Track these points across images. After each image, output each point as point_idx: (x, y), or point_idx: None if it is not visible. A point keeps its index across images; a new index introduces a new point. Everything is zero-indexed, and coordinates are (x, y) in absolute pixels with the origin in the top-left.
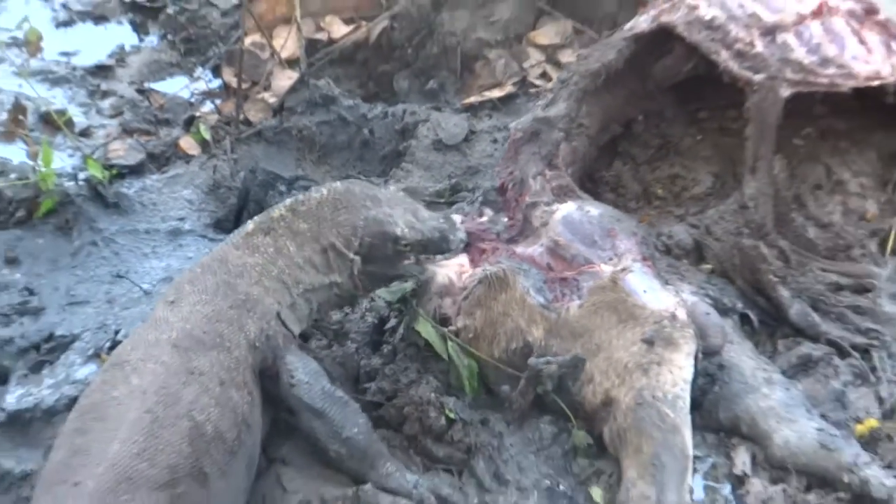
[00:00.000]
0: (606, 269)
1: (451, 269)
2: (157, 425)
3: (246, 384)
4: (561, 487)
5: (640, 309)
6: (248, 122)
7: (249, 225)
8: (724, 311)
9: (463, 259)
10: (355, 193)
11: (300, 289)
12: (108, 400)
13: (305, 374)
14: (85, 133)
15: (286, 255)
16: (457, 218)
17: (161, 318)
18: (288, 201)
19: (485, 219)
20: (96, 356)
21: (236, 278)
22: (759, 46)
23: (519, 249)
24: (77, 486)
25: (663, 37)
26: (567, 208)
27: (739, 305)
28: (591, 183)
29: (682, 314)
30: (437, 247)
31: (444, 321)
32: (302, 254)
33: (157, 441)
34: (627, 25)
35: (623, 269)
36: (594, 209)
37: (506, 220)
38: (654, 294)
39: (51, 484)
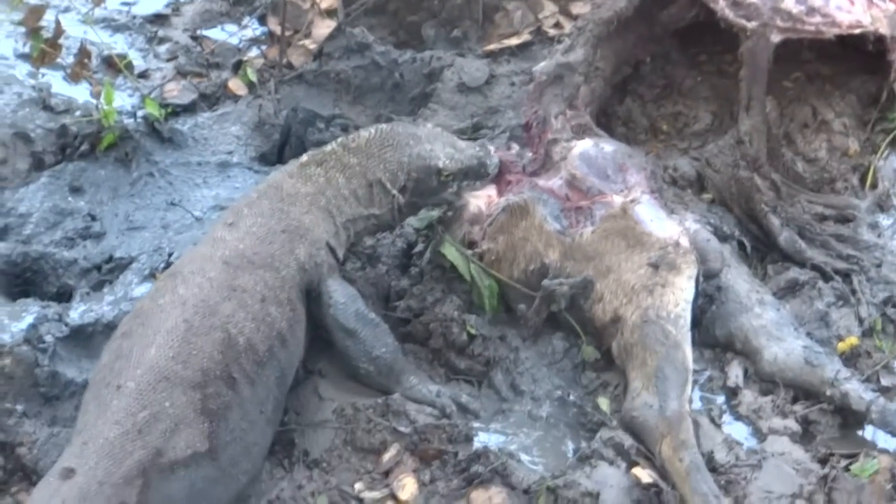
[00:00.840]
0: (617, 200)
1: (482, 200)
2: (192, 333)
3: (290, 302)
4: (571, 397)
5: (646, 236)
6: (290, 66)
7: (304, 157)
8: (722, 237)
9: (491, 190)
10: (399, 133)
11: (343, 218)
12: (154, 307)
13: (342, 297)
14: (143, 75)
15: (334, 186)
16: (491, 147)
17: (218, 238)
18: (340, 138)
19: (512, 152)
20: (151, 276)
21: (289, 205)
22: None
23: (540, 181)
24: (119, 389)
25: None
26: (584, 145)
27: (736, 232)
28: (604, 118)
29: (684, 241)
30: (476, 173)
31: (471, 245)
32: (349, 186)
33: (190, 347)
34: None
35: (632, 200)
36: (608, 146)
37: (530, 154)
38: (659, 223)
39: (97, 386)
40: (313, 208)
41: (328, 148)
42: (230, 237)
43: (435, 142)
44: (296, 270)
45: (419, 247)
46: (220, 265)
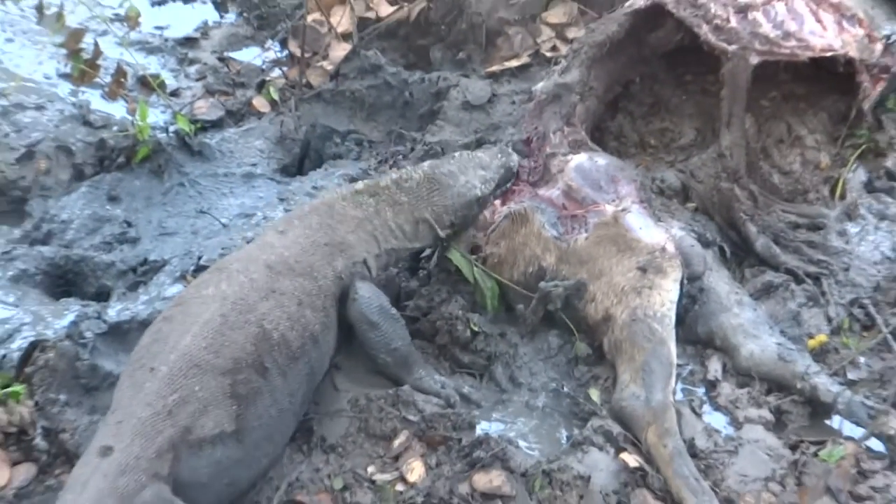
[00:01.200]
0: (609, 209)
1: (487, 208)
2: (226, 326)
3: (324, 308)
4: (565, 389)
5: (636, 242)
6: (309, 86)
7: (360, 184)
8: (705, 243)
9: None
10: (444, 175)
11: (387, 246)
12: (197, 297)
13: (368, 293)
14: (174, 93)
15: (382, 217)
16: (508, 148)
17: (268, 242)
18: (394, 174)
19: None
20: (182, 278)
21: (337, 223)
22: (734, 22)
23: (540, 191)
24: (153, 371)
25: (656, 12)
26: (579, 158)
27: (717, 239)
28: (598, 133)
29: (670, 247)
30: (507, 179)
31: (475, 249)
32: (396, 220)
33: (223, 339)
34: (627, 3)
35: (623, 210)
36: (601, 160)
37: (530, 165)
38: (647, 230)
39: (133, 367)
40: (359, 230)
41: (382, 182)
42: (278, 243)
43: (468, 171)
44: (332, 281)
45: (427, 252)
46: (263, 268)
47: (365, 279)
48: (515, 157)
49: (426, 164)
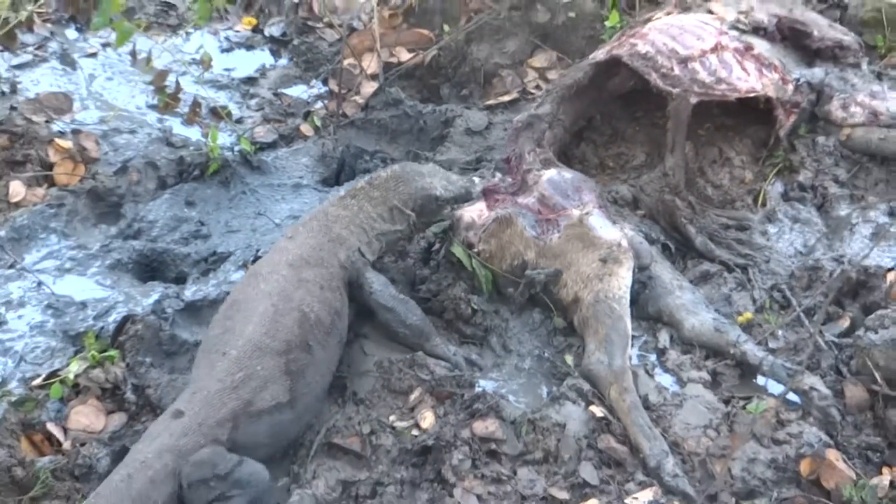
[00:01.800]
0: (576, 213)
1: (474, 212)
2: (278, 314)
3: (338, 289)
4: (546, 354)
5: (597, 239)
6: (345, 115)
7: (342, 191)
8: (651, 241)
9: (482, 205)
10: (407, 171)
11: (374, 233)
12: (246, 297)
13: (379, 285)
14: (239, 121)
15: (365, 212)
16: (475, 179)
17: (282, 247)
18: (366, 177)
19: (496, 179)
20: (244, 266)
21: (333, 224)
22: (677, 70)
23: (519, 199)
24: (225, 354)
25: (614, 63)
26: (550, 173)
27: (662, 238)
28: (564, 158)
29: (624, 243)
30: (464, 198)
31: (469, 246)
32: (375, 211)
33: (277, 325)
34: (590, 56)
35: (587, 213)
36: (568, 174)
37: (510, 180)
38: (606, 230)
39: (207, 352)
40: (350, 225)
41: (358, 185)
42: (291, 246)
43: (434, 177)
44: (338, 267)
45: (436, 246)
46: (286, 266)
47: (368, 268)
48: (479, 187)
49: (396, 165)
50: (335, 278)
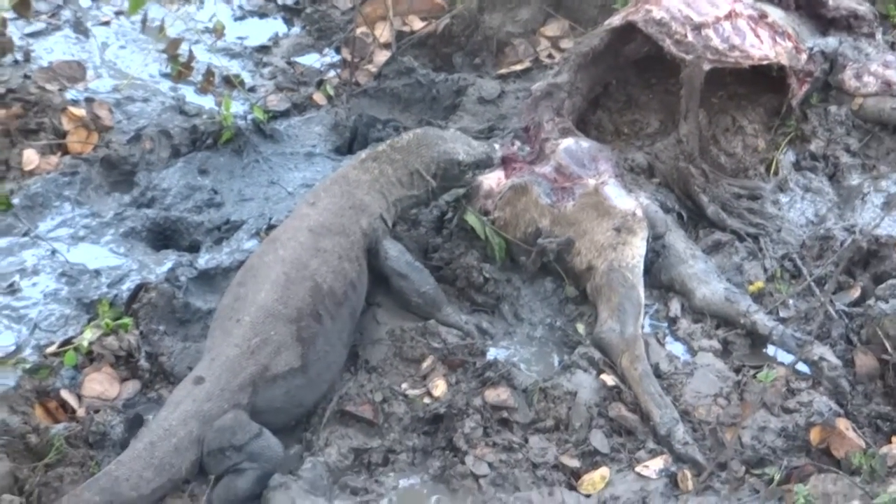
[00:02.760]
0: (591, 182)
1: (493, 180)
2: (290, 282)
3: (357, 259)
4: (557, 323)
5: (612, 208)
6: (357, 84)
7: (363, 154)
8: (666, 210)
9: (500, 173)
10: (430, 135)
11: (392, 198)
12: (261, 263)
13: (396, 251)
14: (251, 90)
15: (385, 175)
16: (496, 145)
17: (304, 213)
18: (388, 140)
19: (515, 147)
20: (256, 234)
21: (354, 189)
22: (690, 37)
23: (536, 168)
24: (238, 321)
25: (629, 29)
26: (567, 142)
27: (676, 207)
28: (582, 124)
29: (639, 212)
30: (486, 164)
31: (485, 213)
32: (396, 175)
33: (289, 292)
34: (606, 22)
35: (602, 182)
36: (585, 143)
37: (528, 149)
38: (621, 199)
39: (221, 319)
40: (371, 191)
41: (380, 148)
42: (313, 213)
43: (456, 142)
44: (360, 236)
45: (449, 214)
46: (306, 233)
47: (387, 235)
48: (500, 152)
49: (419, 129)
50: (355, 247)
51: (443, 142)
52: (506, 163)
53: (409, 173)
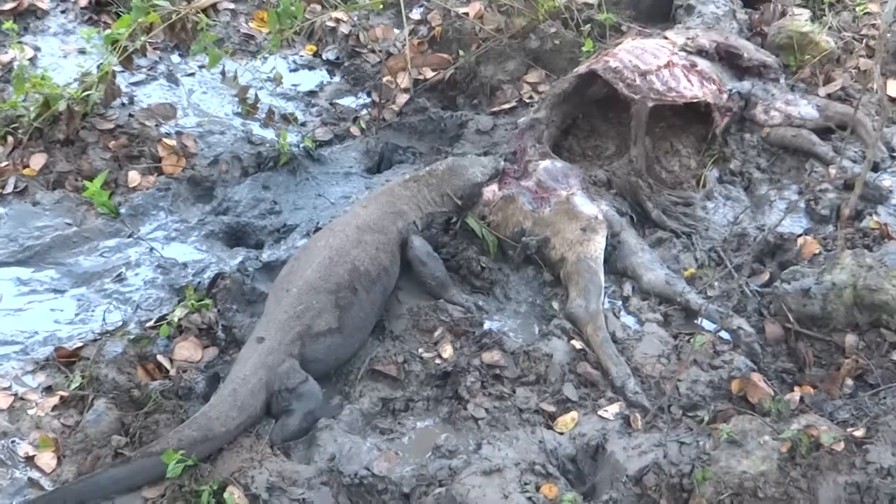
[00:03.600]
0: (564, 193)
1: (489, 192)
2: (332, 263)
3: (392, 252)
4: (537, 301)
5: (580, 213)
6: (384, 119)
7: (408, 175)
8: (621, 213)
9: (494, 186)
10: (457, 166)
11: (426, 211)
12: (315, 246)
13: (419, 244)
14: (303, 124)
15: (423, 193)
16: (500, 158)
17: (356, 212)
18: (428, 167)
19: (506, 166)
20: (307, 235)
21: (396, 199)
22: (638, 81)
23: (521, 182)
24: (288, 291)
25: (592, 75)
26: (545, 163)
27: (629, 211)
28: (556, 149)
29: (600, 216)
30: (496, 175)
31: (482, 217)
32: (430, 195)
33: (329, 271)
34: (574, 70)
35: (572, 194)
36: (559, 163)
37: (516, 167)
38: (586, 206)
39: (277, 289)
40: (410, 203)
41: (421, 173)
42: (363, 213)
43: (475, 166)
44: (396, 235)
45: (454, 219)
46: (354, 228)
47: (416, 233)
48: (503, 163)
49: (450, 159)
50: (391, 243)
51: (466, 171)
52: (500, 178)
53: (441, 195)
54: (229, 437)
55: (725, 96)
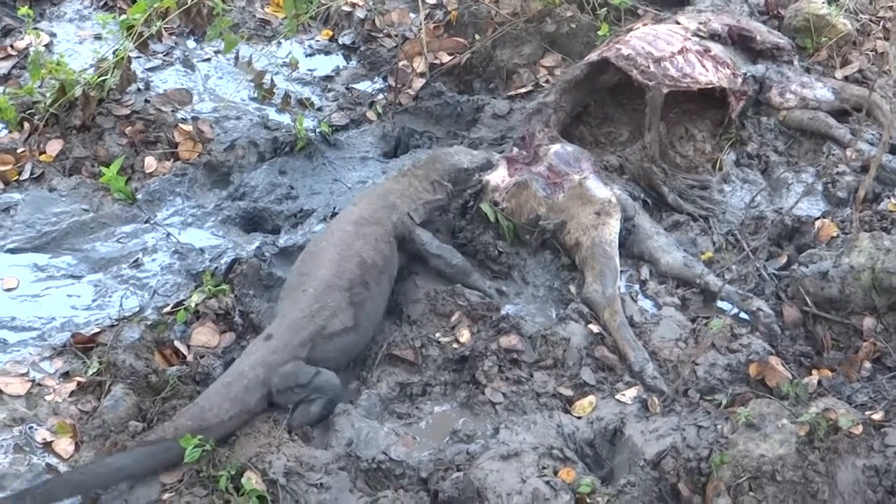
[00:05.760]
0: (576, 178)
1: (499, 178)
2: (342, 259)
3: (390, 242)
4: (555, 285)
5: (593, 197)
6: (400, 104)
7: (394, 172)
8: (634, 198)
9: (505, 173)
10: (440, 154)
11: (420, 202)
12: (319, 248)
13: (428, 238)
14: (319, 109)
15: (414, 186)
16: (493, 152)
17: (350, 210)
18: (411, 161)
19: (515, 152)
20: (324, 220)
21: (388, 194)
22: (652, 68)
23: (532, 168)
24: (304, 291)
25: (604, 63)
26: (556, 147)
27: (642, 196)
28: (566, 136)
29: (614, 200)
30: (486, 166)
31: (495, 204)
32: (421, 185)
33: (341, 268)
34: (585, 58)
35: (585, 178)
36: (569, 147)
37: (525, 153)
38: (600, 190)
39: (290, 290)
40: (402, 196)
41: (406, 167)
42: (356, 210)
43: (460, 154)
44: (391, 226)
45: (470, 204)
46: (351, 223)
47: (415, 226)
48: (496, 157)
49: (431, 150)
50: (387, 234)
51: (450, 156)
52: (509, 164)
53: (430, 183)
54: (224, 429)
55: (740, 80)
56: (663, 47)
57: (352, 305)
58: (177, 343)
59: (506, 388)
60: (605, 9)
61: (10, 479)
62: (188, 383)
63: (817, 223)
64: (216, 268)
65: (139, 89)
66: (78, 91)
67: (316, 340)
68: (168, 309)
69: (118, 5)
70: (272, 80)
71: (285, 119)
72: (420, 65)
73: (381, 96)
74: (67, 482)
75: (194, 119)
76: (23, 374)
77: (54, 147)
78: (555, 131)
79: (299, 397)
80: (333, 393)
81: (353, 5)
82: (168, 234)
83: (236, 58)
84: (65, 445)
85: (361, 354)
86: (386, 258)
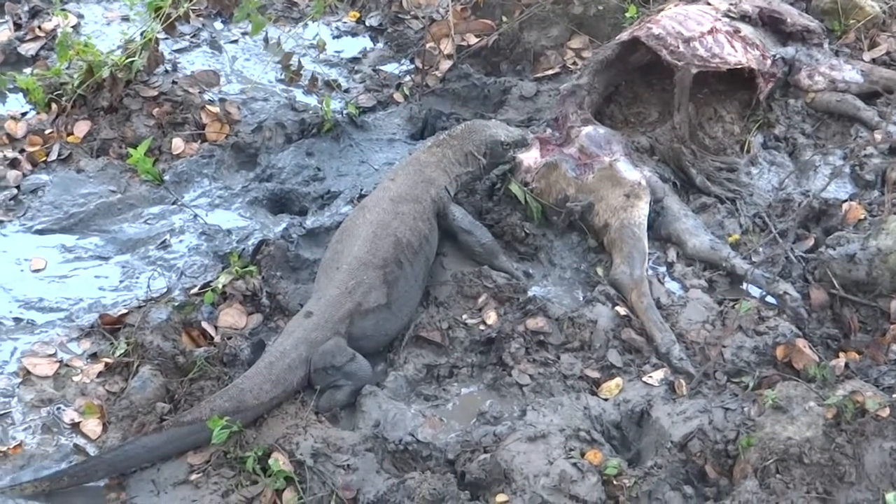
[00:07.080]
0: (607, 159)
1: (530, 159)
2: (377, 237)
3: (429, 220)
4: (582, 267)
5: (623, 179)
6: (427, 86)
7: (429, 142)
8: (664, 179)
9: (536, 153)
10: (477, 124)
11: (453, 174)
12: (354, 225)
13: (460, 214)
14: (346, 91)
15: (447, 157)
16: (527, 131)
17: (386, 186)
18: (447, 131)
19: (548, 133)
20: (351, 202)
21: (424, 168)
22: (682, 48)
23: (564, 149)
24: (338, 269)
25: (634, 42)
26: (588, 129)
27: (672, 177)
28: (598, 116)
29: (643, 182)
30: (522, 143)
31: (525, 184)
32: (455, 157)
33: (376, 246)
34: (617, 37)
35: (615, 160)
36: (601, 129)
37: (557, 134)
38: (630, 172)
39: (325, 268)
40: (437, 169)
41: (441, 137)
42: (393, 186)
43: (498, 128)
44: (430, 202)
45: (497, 185)
46: (388, 201)
47: (451, 202)
48: (531, 135)
49: (469, 121)
50: (427, 211)
51: (487, 128)
52: (541, 144)
53: (464, 154)
54: (262, 410)
55: (769, 62)
56: (693, 27)
57: (385, 283)
58: (204, 324)
59: (533, 370)
60: None
61: (38, 459)
62: (215, 364)
63: (844, 206)
64: (243, 249)
65: (167, 71)
66: (105, 72)
67: (354, 316)
68: (195, 290)
69: None
70: (299, 62)
71: (312, 101)
72: (447, 46)
73: (408, 78)
74: (102, 462)
75: (221, 101)
76: (51, 355)
77: (82, 128)
78: (588, 113)
79: (332, 379)
80: (362, 382)
81: None
82: (195, 216)
83: (264, 39)
84: (92, 426)
85: (398, 336)
86: (423, 238)
